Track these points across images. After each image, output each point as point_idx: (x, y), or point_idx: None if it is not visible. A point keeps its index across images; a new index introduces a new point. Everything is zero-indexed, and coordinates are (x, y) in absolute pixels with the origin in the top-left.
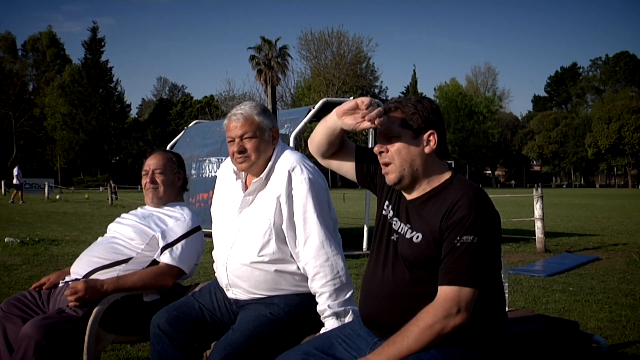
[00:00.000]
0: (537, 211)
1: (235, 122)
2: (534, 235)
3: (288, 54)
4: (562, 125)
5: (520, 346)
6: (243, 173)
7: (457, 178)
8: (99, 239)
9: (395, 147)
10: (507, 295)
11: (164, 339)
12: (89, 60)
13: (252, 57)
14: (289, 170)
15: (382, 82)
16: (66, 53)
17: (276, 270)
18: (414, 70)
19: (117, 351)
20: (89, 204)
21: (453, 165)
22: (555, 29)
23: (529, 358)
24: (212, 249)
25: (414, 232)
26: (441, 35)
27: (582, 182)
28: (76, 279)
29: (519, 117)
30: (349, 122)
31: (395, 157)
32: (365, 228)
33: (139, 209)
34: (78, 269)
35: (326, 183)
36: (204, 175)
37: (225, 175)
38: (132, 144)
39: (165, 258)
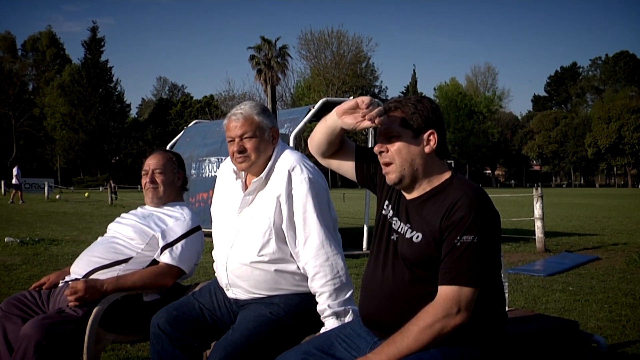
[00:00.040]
0: (537, 211)
1: (235, 121)
2: (534, 235)
3: (288, 54)
4: (562, 125)
5: (520, 346)
6: (243, 173)
7: (457, 178)
8: (99, 238)
9: (395, 147)
10: (507, 295)
11: (163, 338)
12: (88, 60)
13: (252, 57)
14: (289, 170)
15: (382, 82)
16: (66, 53)
17: (276, 270)
18: (414, 70)
19: (117, 351)
20: (89, 204)
21: (453, 165)
22: (555, 29)
23: (529, 358)
24: (212, 248)
25: (414, 232)
26: (441, 35)
27: (582, 182)
28: (76, 279)
29: (519, 117)
30: (349, 121)
31: (395, 157)
32: (365, 228)
33: (138, 209)
34: (78, 268)
35: (326, 183)
36: (203, 175)
37: (225, 175)
38: (132, 144)
39: (165, 258)
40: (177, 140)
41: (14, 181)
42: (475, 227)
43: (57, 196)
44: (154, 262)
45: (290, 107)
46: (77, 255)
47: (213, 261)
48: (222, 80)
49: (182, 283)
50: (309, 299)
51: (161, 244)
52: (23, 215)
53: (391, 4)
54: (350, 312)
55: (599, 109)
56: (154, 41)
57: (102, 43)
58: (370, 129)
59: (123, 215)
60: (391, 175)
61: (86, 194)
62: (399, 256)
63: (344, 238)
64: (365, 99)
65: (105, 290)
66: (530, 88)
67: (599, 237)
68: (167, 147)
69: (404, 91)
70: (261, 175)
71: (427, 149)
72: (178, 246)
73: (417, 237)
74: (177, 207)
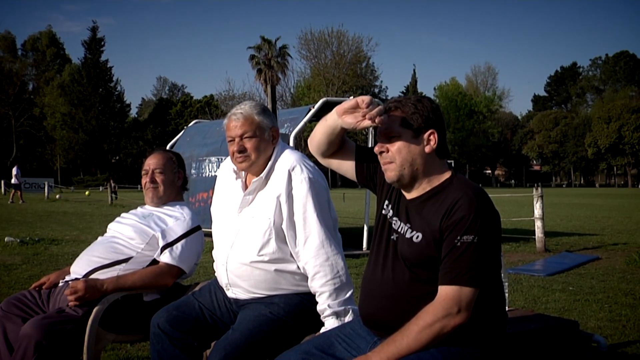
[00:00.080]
0: (537, 211)
1: (235, 121)
2: (534, 235)
3: (288, 54)
4: (562, 124)
5: (520, 346)
6: (243, 172)
7: (457, 178)
8: (99, 238)
9: (395, 147)
10: (507, 294)
11: (163, 338)
12: (88, 60)
13: (252, 57)
14: (289, 170)
15: (382, 81)
16: (66, 53)
17: (276, 270)
18: (414, 70)
19: (117, 351)
20: (89, 204)
21: (453, 165)
22: (555, 29)
23: (529, 357)
24: (212, 248)
25: (414, 232)
26: (441, 35)
27: (582, 182)
28: (76, 279)
29: (519, 117)
30: (350, 120)
31: (395, 157)
32: (365, 228)
33: (139, 209)
34: (78, 268)
35: (326, 182)
36: (203, 175)
37: (225, 174)
38: (132, 144)
39: (165, 257)
40: (177, 140)
41: (13, 181)
42: (476, 227)
43: (57, 196)
44: (154, 261)
45: (290, 107)
46: (77, 255)
47: (213, 261)
48: (222, 80)
49: (182, 283)
50: (309, 299)
51: (161, 243)
52: (23, 215)
53: (391, 4)
54: (350, 311)
55: (599, 109)
56: (154, 41)
57: (102, 43)
58: (371, 129)
59: (123, 215)
60: (390, 173)
61: (87, 193)
62: (399, 256)
63: (344, 238)
64: (366, 98)
65: (105, 290)
66: (530, 88)
67: (599, 237)
68: (167, 147)
69: (404, 91)
70: (261, 175)
71: (427, 149)
72: (178, 246)
73: (417, 237)
74: (177, 206)
